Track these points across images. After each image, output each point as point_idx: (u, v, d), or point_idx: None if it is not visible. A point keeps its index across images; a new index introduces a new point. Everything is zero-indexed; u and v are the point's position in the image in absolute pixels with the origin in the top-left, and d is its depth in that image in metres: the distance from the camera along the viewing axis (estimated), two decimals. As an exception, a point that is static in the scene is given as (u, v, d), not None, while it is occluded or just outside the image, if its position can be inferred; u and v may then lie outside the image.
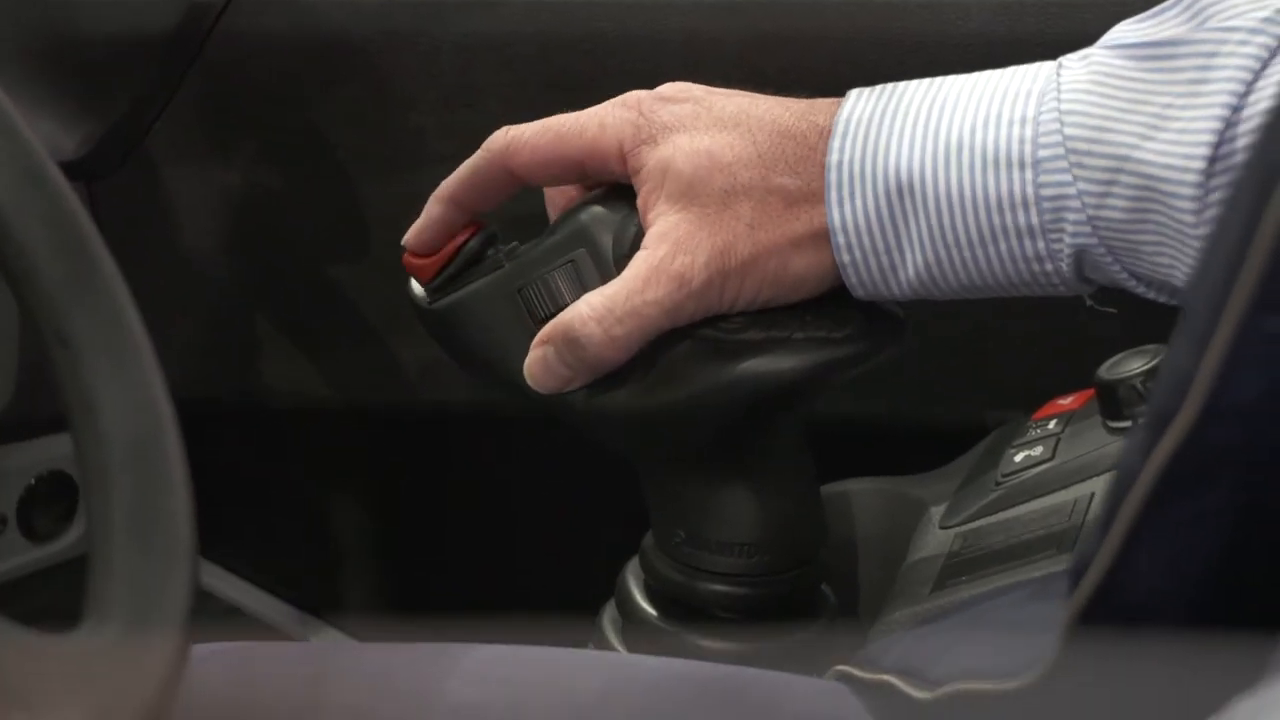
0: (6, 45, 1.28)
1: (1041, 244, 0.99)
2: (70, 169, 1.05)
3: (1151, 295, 1.00)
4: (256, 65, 1.46)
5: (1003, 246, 1.00)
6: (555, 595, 1.17)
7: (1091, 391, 1.13)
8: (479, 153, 1.08)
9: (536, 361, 1.02)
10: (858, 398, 1.21)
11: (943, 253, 1.00)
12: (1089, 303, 1.04)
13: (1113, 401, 1.10)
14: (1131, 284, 1.00)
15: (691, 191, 1.01)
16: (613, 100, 1.07)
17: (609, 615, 1.13)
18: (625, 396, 1.02)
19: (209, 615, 1.45)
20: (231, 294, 1.52)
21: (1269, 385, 0.75)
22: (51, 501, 1.46)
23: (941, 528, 1.14)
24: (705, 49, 1.37)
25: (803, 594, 1.10)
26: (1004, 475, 1.13)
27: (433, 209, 1.09)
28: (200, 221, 1.50)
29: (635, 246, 1.01)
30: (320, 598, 1.59)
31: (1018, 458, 1.13)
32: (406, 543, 1.60)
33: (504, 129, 1.08)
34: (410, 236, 1.10)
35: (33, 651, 0.83)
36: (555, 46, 1.32)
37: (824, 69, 1.27)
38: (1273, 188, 0.75)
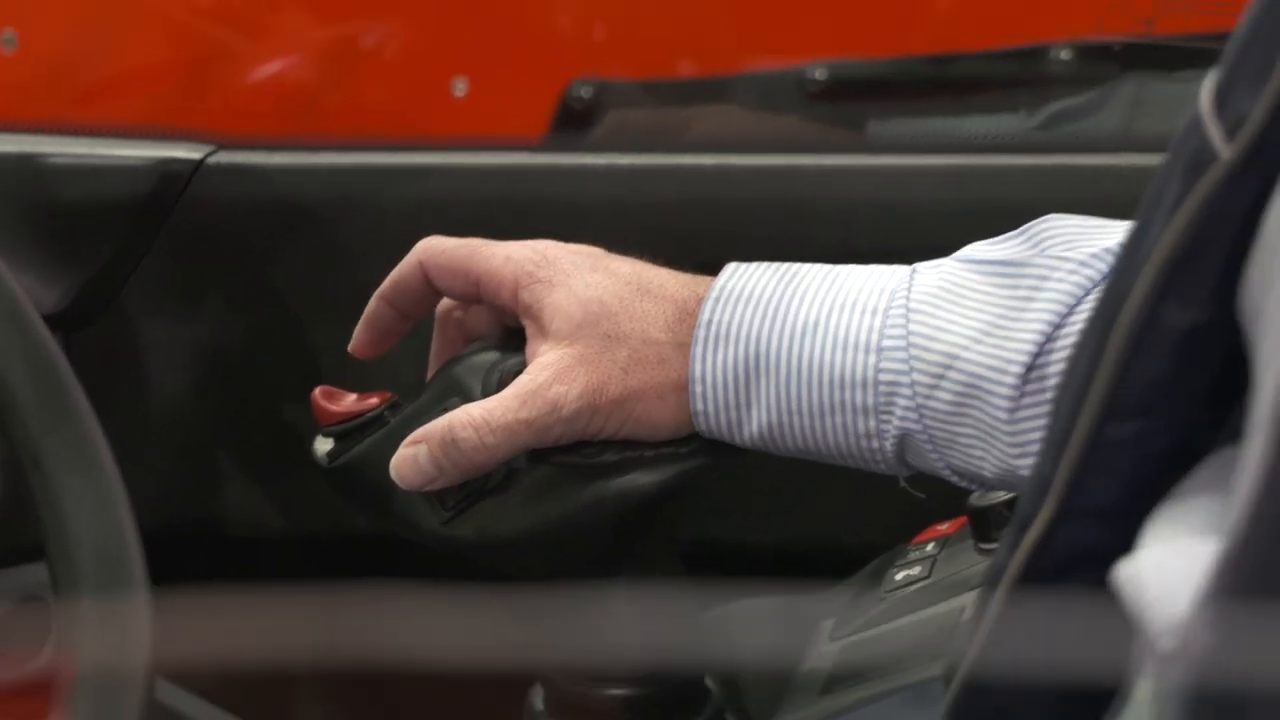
0: None
1: (873, 422, 1.01)
2: (50, 320, 1.06)
3: (964, 484, 1.04)
4: (221, 226, 1.47)
5: (838, 419, 1.02)
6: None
7: (964, 518, 1.16)
8: (407, 255, 1.10)
9: (405, 460, 1.02)
10: (758, 525, 1.27)
11: (785, 417, 1.02)
12: (902, 484, 1.06)
13: (983, 525, 1.12)
14: (946, 473, 1.03)
15: (578, 332, 1.02)
16: (526, 242, 1.07)
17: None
18: (502, 523, 1.03)
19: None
20: (195, 430, 1.51)
21: (1122, 488, 0.79)
22: (27, 625, 1.47)
23: (831, 639, 1.14)
24: (622, 213, 1.40)
25: (690, 695, 1.10)
26: (887, 592, 1.15)
27: (370, 305, 1.11)
28: (168, 365, 1.50)
29: (500, 389, 1.02)
30: (275, 716, 1.57)
31: (899, 576, 1.15)
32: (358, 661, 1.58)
33: (432, 237, 1.10)
34: (354, 335, 1.11)
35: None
36: (488, 209, 1.35)
37: (737, 234, 1.32)
38: (1115, 318, 0.83)
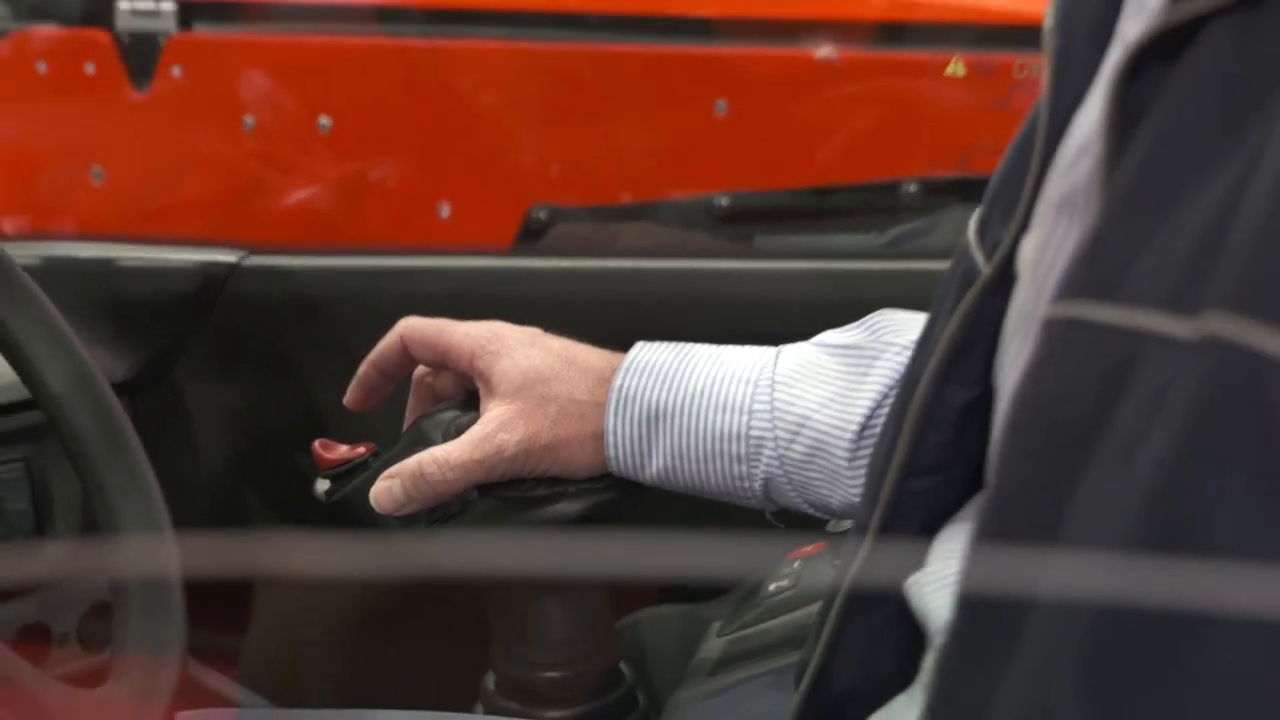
0: (76, 298, 1.28)
1: (744, 467, 1.02)
2: (118, 386, 1.07)
3: (818, 514, 1.04)
4: (252, 313, 1.46)
5: (718, 465, 1.02)
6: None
7: (824, 543, 1.16)
8: (390, 331, 1.10)
9: (382, 490, 1.02)
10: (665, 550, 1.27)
11: (677, 462, 1.03)
12: (768, 517, 1.06)
13: (837, 548, 1.11)
14: (803, 506, 1.03)
15: (518, 393, 1.03)
16: (482, 323, 1.07)
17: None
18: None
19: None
20: (227, 470, 1.51)
21: (920, 529, 0.80)
22: (101, 624, 1.45)
23: (718, 635, 1.15)
24: (561, 302, 1.40)
25: (610, 679, 1.10)
26: (762, 598, 1.15)
27: (360, 368, 1.11)
28: (209, 422, 1.50)
29: (457, 437, 1.02)
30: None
31: (771, 587, 1.15)
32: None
33: (410, 317, 1.09)
34: (348, 392, 1.11)
35: (76, 699, 0.90)
36: (461, 298, 1.33)
37: (647, 318, 1.28)
38: (911, 396, 0.82)
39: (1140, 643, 0.52)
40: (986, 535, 0.63)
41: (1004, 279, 0.75)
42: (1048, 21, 0.74)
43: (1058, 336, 0.61)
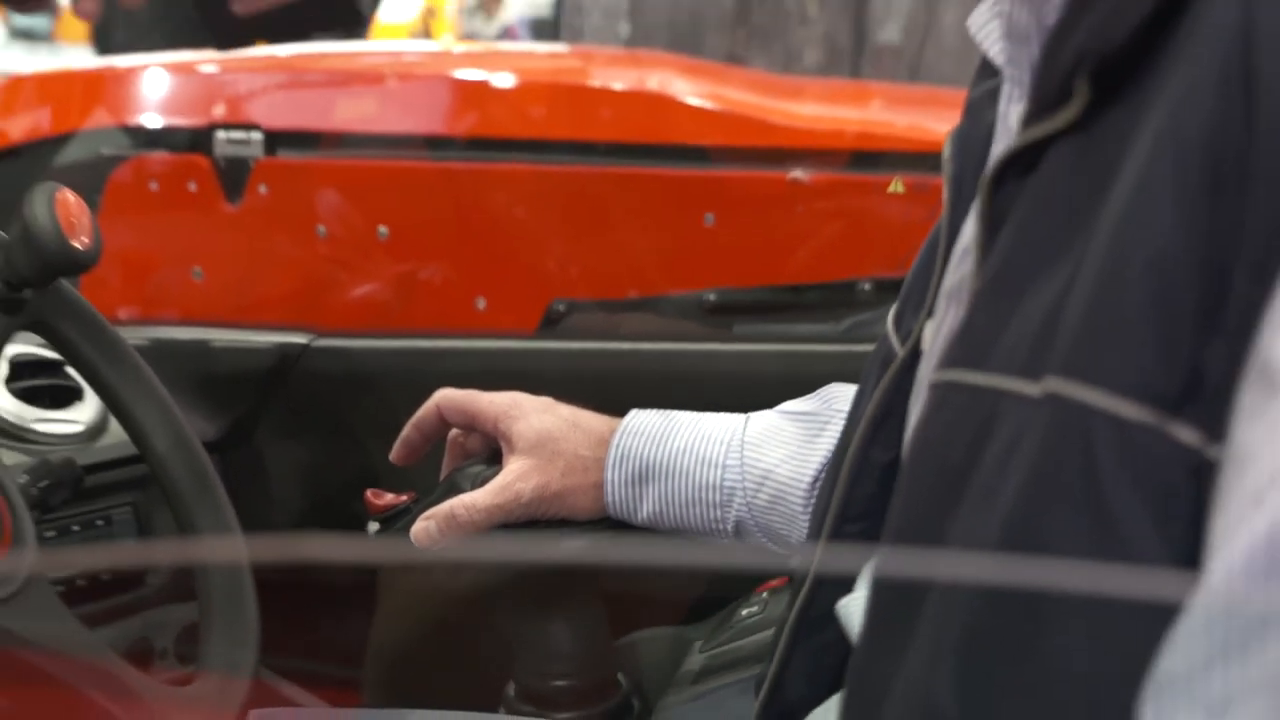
0: (177, 372, 1.30)
1: (719, 513, 1.03)
2: (209, 445, 1.08)
3: (780, 551, 1.05)
4: (319, 387, 1.49)
5: (697, 510, 1.03)
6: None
7: (786, 578, 1.16)
8: (429, 399, 1.10)
9: (420, 529, 1.02)
10: (655, 582, 1.28)
11: (663, 507, 1.04)
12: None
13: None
14: (767, 544, 1.04)
15: (533, 450, 1.04)
16: (505, 393, 1.08)
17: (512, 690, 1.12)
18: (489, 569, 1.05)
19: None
20: (297, 515, 1.52)
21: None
22: (192, 643, 1.47)
23: (699, 652, 1.16)
24: (573, 376, 1.44)
25: (610, 687, 1.11)
26: (735, 622, 1.17)
27: (404, 430, 1.11)
28: (284, 476, 1.52)
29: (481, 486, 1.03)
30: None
31: (744, 612, 1.18)
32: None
33: (445, 388, 1.10)
34: (394, 450, 1.11)
35: (169, 696, 0.93)
36: (492, 374, 1.26)
37: (641, 389, 1.27)
38: (844, 456, 0.84)
39: (999, 635, 0.54)
40: (899, 528, 0.65)
41: (914, 359, 0.77)
42: (945, 152, 0.76)
43: (939, 397, 0.63)
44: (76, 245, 0.98)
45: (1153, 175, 0.52)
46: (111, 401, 1.05)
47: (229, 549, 1.06)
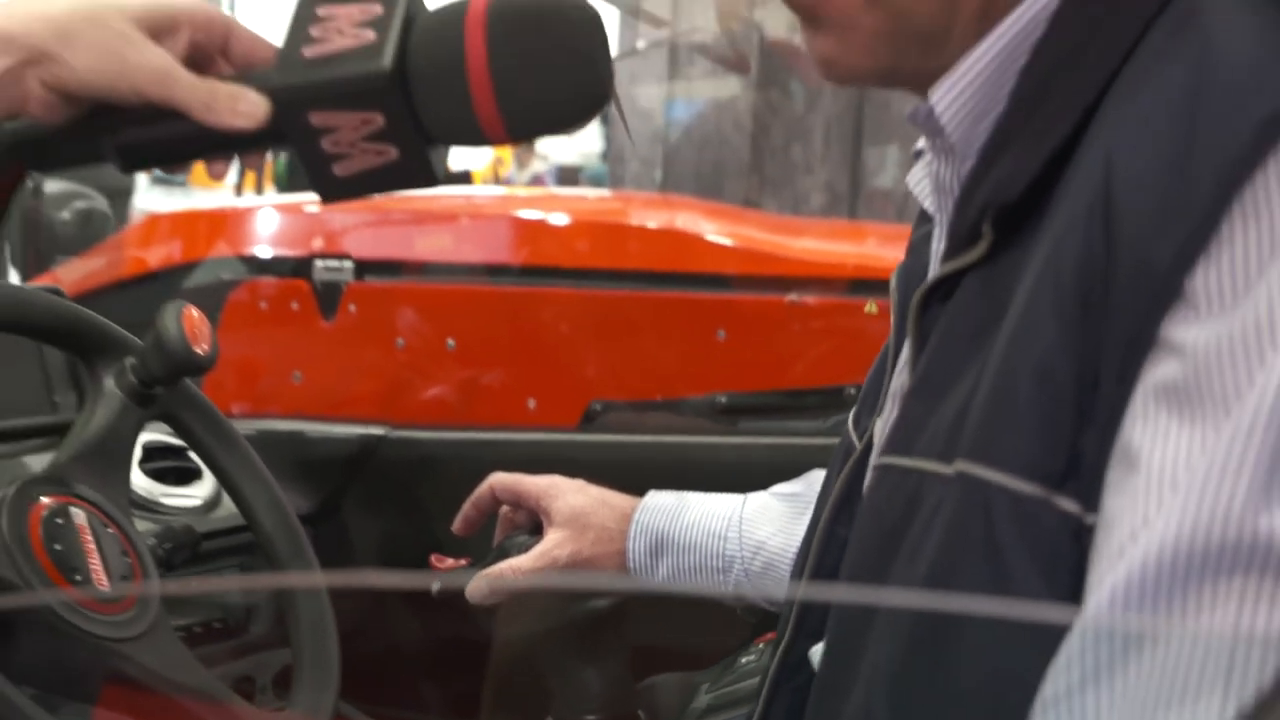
0: (279, 457, 1.30)
1: (721, 577, 1.05)
2: (303, 518, 1.14)
3: (771, 609, 1.05)
4: (394, 472, 1.51)
5: (703, 575, 1.05)
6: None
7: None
8: (484, 482, 1.12)
9: (475, 588, 1.04)
10: (671, 635, 1.31)
11: (676, 572, 1.05)
12: (739, 611, 1.08)
13: None
14: (761, 603, 1.06)
15: (568, 524, 1.06)
16: (545, 476, 1.09)
17: None
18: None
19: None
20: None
21: (822, 618, 0.81)
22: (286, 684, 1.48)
23: (705, 693, 1.14)
24: (605, 464, 1.44)
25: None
26: (737, 668, 1.14)
27: (464, 506, 1.12)
28: (366, 545, 1.54)
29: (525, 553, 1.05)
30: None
31: (744, 659, 1.14)
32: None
33: (498, 472, 1.11)
34: (455, 523, 1.12)
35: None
36: (540, 461, 1.28)
37: (661, 474, 1.27)
38: (814, 532, 0.84)
39: (921, 667, 0.57)
40: (838, 606, 0.69)
41: (867, 452, 0.79)
42: (891, 283, 0.79)
43: (878, 477, 0.66)
44: (198, 351, 1.03)
45: (1038, 297, 0.56)
46: (225, 480, 1.09)
47: (317, 608, 1.07)
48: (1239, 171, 0.51)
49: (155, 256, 1.73)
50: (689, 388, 1.66)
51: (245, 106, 0.64)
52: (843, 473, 0.81)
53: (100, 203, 2.38)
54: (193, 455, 1.34)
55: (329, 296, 1.69)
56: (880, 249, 1.91)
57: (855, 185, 3.89)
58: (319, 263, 1.68)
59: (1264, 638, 0.47)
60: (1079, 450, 0.54)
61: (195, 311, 1.04)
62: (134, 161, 0.68)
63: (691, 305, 1.67)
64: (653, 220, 1.82)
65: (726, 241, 1.72)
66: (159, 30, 0.65)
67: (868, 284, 1.65)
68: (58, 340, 1.04)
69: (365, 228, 1.73)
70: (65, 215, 2.25)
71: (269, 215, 1.74)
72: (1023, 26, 0.63)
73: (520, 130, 0.65)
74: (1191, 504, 0.49)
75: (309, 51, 0.64)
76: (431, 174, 0.66)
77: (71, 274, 1.75)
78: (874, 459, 0.69)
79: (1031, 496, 0.54)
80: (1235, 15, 0.55)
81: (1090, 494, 0.54)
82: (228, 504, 1.30)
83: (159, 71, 0.64)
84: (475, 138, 0.65)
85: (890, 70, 0.67)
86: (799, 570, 0.86)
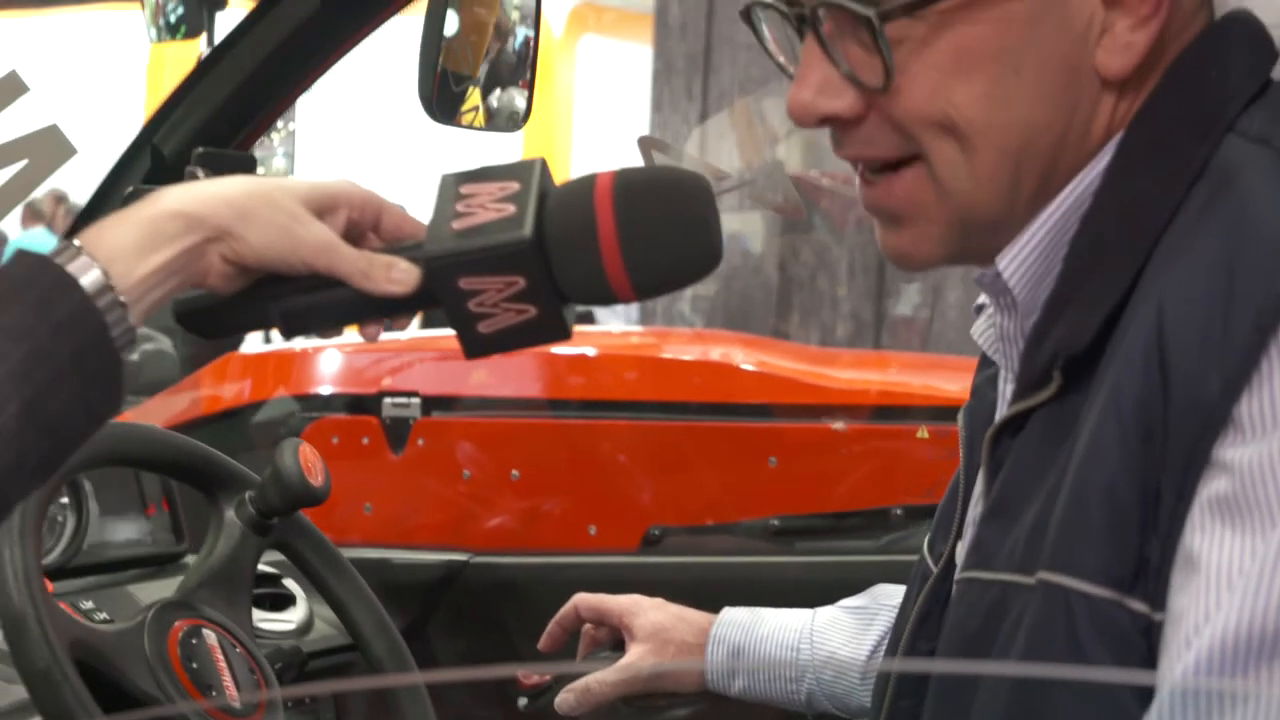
0: (371, 583, 1.30)
1: (794, 686, 1.08)
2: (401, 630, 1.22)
3: (843, 716, 1.09)
4: (478, 592, 1.57)
5: (777, 685, 1.09)
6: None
7: None
8: (569, 602, 1.15)
9: (564, 700, 1.08)
10: None
11: (750, 682, 1.09)
12: (810, 718, 1.11)
13: None
14: (833, 710, 1.08)
15: (649, 638, 1.10)
16: (626, 595, 1.13)
17: None
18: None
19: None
20: (465, 694, 1.56)
21: None
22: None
23: None
24: (670, 582, 1.47)
25: None
26: None
27: (550, 625, 1.15)
28: (450, 661, 1.60)
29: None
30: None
31: None
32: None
33: (581, 593, 1.15)
34: (542, 640, 1.15)
35: None
36: (607, 582, 1.27)
37: (731, 592, 1.27)
38: (896, 648, 0.88)
39: None
40: (934, 703, 0.76)
41: (946, 573, 0.83)
42: (959, 421, 0.86)
43: (962, 590, 0.74)
44: (314, 484, 1.12)
45: (1103, 429, 0.65)
46: (334, 604, 1.18)
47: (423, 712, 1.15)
48: (1272, 321, 0.61)
49: (230, 394, 1.82)
50: (742, 512, 1.72)
51: (399, 274, 0.72)
52: (921, 593, 0.86)
53: (165, 344, 2.47)
54: (287, 583, 1.42)
55: (398, 431, 1.75)
56: (916, 377, 2.00)
57: (879, 315, 4.01)
58: (388, 399, 1.75)
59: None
60: (1145, 558, 0.63)
61: (309, 448, 1.14)
62: (296, 326, 0.76)
63: (742, 433, 1.74)
64: (699, 354, 1.93)
65: (772, 372, 1.83)
66: (322, 209, 0.73)
67: (909, 411, 1.74)
68: (184, 475, 1.14)
69: (431, 365, 1.80)
70: (135, 357, 2.35)
71: (337, 355, 1.83)
72: (1073, 201, 0.72)
73: (647, 289, 0.73)
74: (1247, 601, 0.59)
75: (457, 224, 0.72)
76: (566, 329, 0.74)
77: (157, 412, 1.84)
78: (957, 575, 0.76)
79: (1106, 599, 0.63)
80: (1265, 185, 0.65)
81: (1157, 595, 0.63)
82: (320, 628, 1.38)
83: (323, 245, 0.72)
84: (606, 296, 0.73)
85: (960, 254, 0.76)
86: (881, 685, 0.90)
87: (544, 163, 0.76)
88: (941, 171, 0.72)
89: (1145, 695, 0.62)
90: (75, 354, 0.65)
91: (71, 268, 0.66)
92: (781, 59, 0.77)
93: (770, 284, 4.11)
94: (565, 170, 9.67)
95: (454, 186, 0.75)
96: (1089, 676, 0.63)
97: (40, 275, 0.66)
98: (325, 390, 1.81)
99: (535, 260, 0.71)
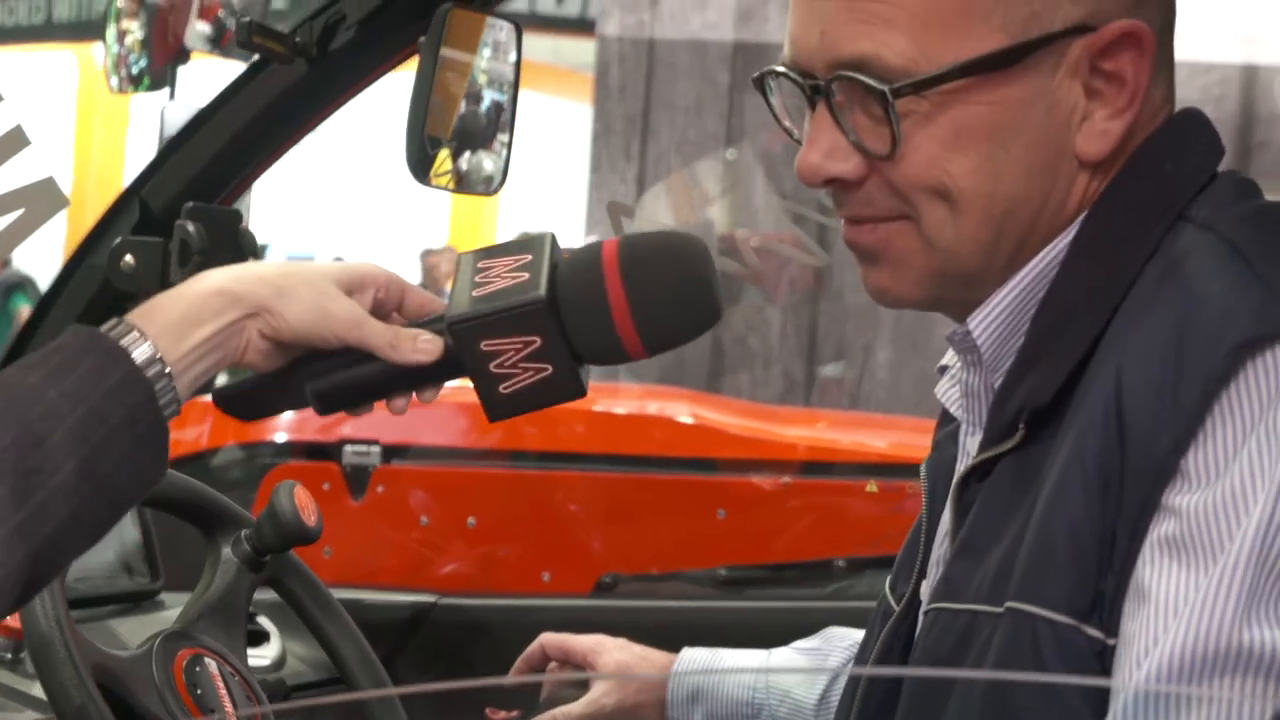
0: None
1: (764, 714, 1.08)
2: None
3: None
4: (446, 633, 1.59)
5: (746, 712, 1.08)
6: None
7: None
8: (534, 642, 1.15)
9: None
10: None
11: (711, 717, 1.09)
12: None
13: None
14: None
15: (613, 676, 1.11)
16: (588, 635, 1.13)
17: None
18: None
19: None
20: None
21: None
22: None
23: None
24: (627, 624, 1.40)
25: None
26: None
27: (517, 663, 1.16)
28: (419, 704, 1.45)
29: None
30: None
31: None
32: None
33: (547, 633, 1.15)
34: (510, 675, 1.16)
35: None
36: (571, 628, 1.22)
37: (687, 633, 1.27)
38: (855, 693, 0.91)
39: None
40: None
41: (908, 611, 0.88)
42: (922, 473, 0.92)
43: (930, 620, 0.80)
44: (308, 524, 1.18)
45: (1067, 477, 0.73)
46: (321, 637, 1.23)
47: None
48: (1216, 386, 0.70)
49: (193, 438, 1.87)
50: (692, 561, 1.80)
51: (424, 344, 0.79)
52: (884, 631, 0.91)
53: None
54: (261, 620, 1.47)
55: (358, 478, 1.80)
56: (847, 433, 2.09)
57: (810, 375, 4.12)
58: (349, 447, 1.81)
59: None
60: (1101, 590, 0.72)
61: (302, 490, 1.19)
62: (329, 404, 0.81)
63: (692, 486, 1.83)
64: (651, 409, 2.02)
65: (720, 428, 1.92)
66: (351, 288, 0.79)
67: (865, 466, 1.83)
68: (184, 512, 1.19)
69: (392, 415, 1.87)
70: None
71: (299, 403, 1.89)
72: (1041, 269, 0.79)
73: (655, 345, 0.79)
74: (1191, 626, 0.67)
75: (476, 292, 0.78)
76: (581, 388, 0.81)
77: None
78: (925, 607, 0.83)
79: (1068, 625, 0.71)
80: (1210, 266, 0.74)
81: (1111, 623, 0.71)
82: (292, 664, 1.43)
83: (354, 319, 0.78)
84: (618, 355, 0.80)
85: (935, 299, 0.82)
86: (842, 717, 0.93)
87: (554, 236, 0.83)
88: (930, 231, 0.78)
89: (1101, 713, 0.70)
90: (127, 417, 0.70)
91: (123, 341, 0.72)
92: (787, 123, 0.83)
93: (702, 342, 4.20)
94: (492, 230, 9.65)
95: (473, 262, 0.81)
96: (1046, 679, 0.71)
97: (94, 346, 0.71)
98: (287, 437, 1.87)
99: (550, 319, 0.77)
